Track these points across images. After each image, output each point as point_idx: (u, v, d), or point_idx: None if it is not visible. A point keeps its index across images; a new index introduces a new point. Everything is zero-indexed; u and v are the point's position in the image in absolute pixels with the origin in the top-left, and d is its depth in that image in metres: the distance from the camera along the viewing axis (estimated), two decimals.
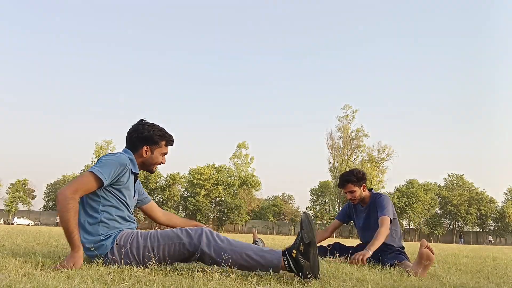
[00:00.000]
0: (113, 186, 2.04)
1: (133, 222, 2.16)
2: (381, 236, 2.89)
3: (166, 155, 2.28)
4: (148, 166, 2.22)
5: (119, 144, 56.98)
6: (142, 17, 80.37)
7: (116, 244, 1.95)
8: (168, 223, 2.50)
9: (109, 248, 1.96)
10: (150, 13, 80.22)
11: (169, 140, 2.26)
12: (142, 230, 2.04)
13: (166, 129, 2.27)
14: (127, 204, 2.12)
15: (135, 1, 77.61)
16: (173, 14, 79.77)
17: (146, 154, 2.19)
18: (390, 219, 2.98)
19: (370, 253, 2.81)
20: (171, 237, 1.91)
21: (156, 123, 2.27)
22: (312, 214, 61.26)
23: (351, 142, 53.43)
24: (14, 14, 73.33)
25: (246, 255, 1.77)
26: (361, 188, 3.17)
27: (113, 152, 2.16)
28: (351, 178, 3.15)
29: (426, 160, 78.41)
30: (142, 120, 2.26)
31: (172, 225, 2.45)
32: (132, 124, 2.26)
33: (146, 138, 2.17)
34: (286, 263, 1.74)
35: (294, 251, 1.74)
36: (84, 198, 2.03)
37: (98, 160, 2.02)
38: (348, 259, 2.91)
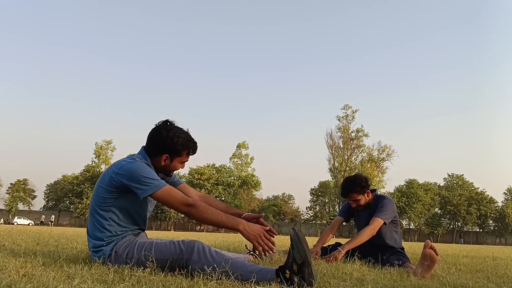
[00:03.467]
0: (129, 194, 1.96)
1: (139, 227, 2.10)
2: (363, 236, 2.87)
3: (186, 162, 2.16)
4: (165, 172, 2.14)
5: (119, 144, 57.07)
6: (141, 17, 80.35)
7: (115, 252, 1.94)
8: None
9: (107, 254, 1.95)
10: (150, 12, 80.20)
11: (193, 149, 2.13)
12: (142, 240, 2.01)
13: (191, 136, 2.12)
14: (138, 212, 2.06)
15: (136, 2, 77.59)
16: (173, 14, 79.76)
17: (164, 162, 2.08)
18: (385, 223, 2.95)
19: (343, 252, 2.83)
20: (164, 251, 1.87)
21: (181, 128, 2.10)
22: (312, 214, 61.25)
23: (351, 142, 53.41)
24: (14, 15, 73.33)
25: (236, 274, 1.71)
26: (365, 194, 3.12)
27: (132, 157, 2.03)
28: (354, 188, 3.08)
29: (426, 160, 78.44)
30: (167, 122, 2.10)
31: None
32: (156, 125, 2.09)
33: (168, 147, 2.03)
34: (279, 283, 1.68)
35: (287, 271, 1.68)
36: (94, 207, 2.00)
37: (124, 173, 1.90)
38: (349, 259, 2.91)
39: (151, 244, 1.91)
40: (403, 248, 3.09)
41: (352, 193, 3.09)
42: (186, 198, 1.91)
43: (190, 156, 2.15)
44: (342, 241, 3.70)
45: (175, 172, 2.25)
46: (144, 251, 1.89)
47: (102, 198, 1.97)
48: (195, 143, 2.13)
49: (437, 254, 2.34)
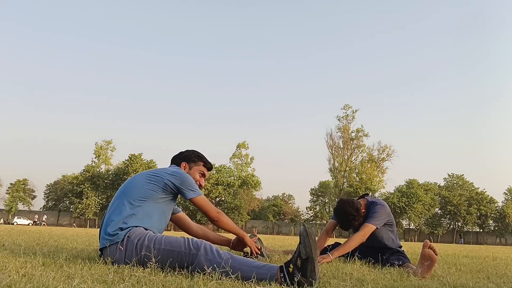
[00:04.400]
0: (170, 197, 2.27)
1: (157, 229, 2.23)
2: (352, 242, 2.83)
3: (205, 179, 2.55)
4: None
5: (119, 144, 57.03)
6: (141, 17, 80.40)
7: (128, 236, 2.03)
8: (202, 237, 2.77)
9: (121, 238, 2.04)
10: (150, 15, 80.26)
11: (207, 162, 2.57)
12: (153, 233, 2.09)
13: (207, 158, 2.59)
14: (161, 216, 2.27)
15: (136, 4, 77.67)
16: (173, 15, 79.81)
17: (184, 169, 2.45)
18: (377, 228, 2.92)
19: (331, 258, 2.74)
20: (173, 244, 1.95)
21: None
22: (312, 214, 61.24)
23: (351, 142, 53.42)
24: (14, 13, 73.35)
25: (242, 271, 1.75)
26: (362, 212, 3.03)
27: (176, 167, 2.45)
28: (353, 222, 2.98)
29: (426, 160, 78.46)
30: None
31: (205, 238, 2.73)
32: None
33: (185, 156, 2.53)
34: (282, 279, 1.69)
35: (291, 265, 1.70)
36: (130, 196, 2.17)
37: (178, 176, 2.24)
38: (349, 258, 2.91)
39: (161, 236, 2.03)
40: (401, 246, 3.09)
41: (354, 224, 3.03)
42: (215, 207, 2.35)
43: (207, 169, 2.56)
44: (342, 241, 3.69)
45: None
46: (155, 241, 1.99)
47: (144, 190, 2.18)
48: (210, 162, 2.60)
49: (436, 254, 2.34)
